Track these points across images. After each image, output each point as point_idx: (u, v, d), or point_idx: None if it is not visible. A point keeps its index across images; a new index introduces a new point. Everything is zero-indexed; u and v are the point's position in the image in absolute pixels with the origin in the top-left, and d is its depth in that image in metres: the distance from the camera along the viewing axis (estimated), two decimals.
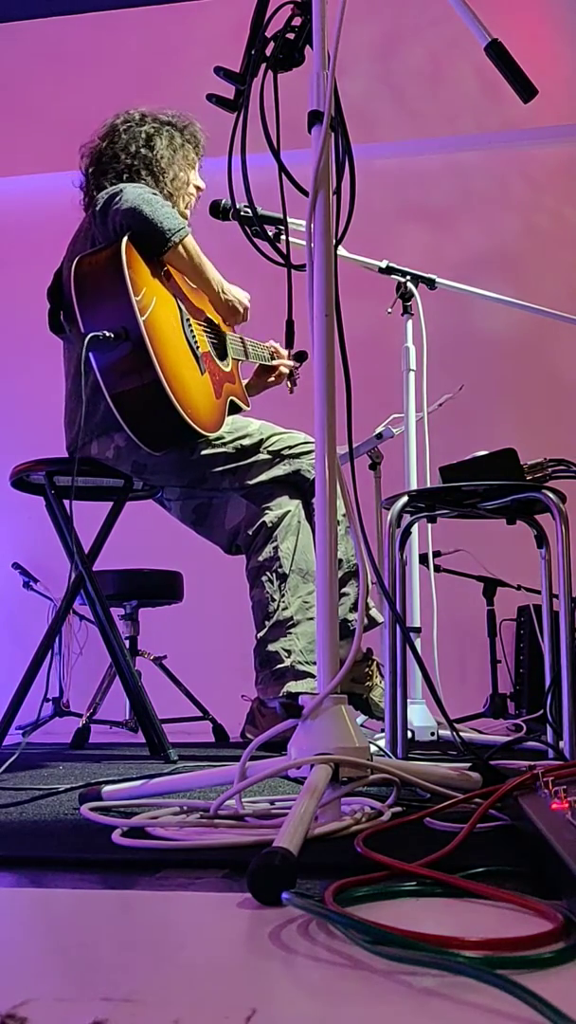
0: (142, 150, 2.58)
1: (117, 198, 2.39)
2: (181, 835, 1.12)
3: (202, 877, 0.97)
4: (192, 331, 2.52)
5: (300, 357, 2.97)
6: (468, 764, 1.41)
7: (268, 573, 2.52)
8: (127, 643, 3.49)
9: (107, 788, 1.38)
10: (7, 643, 4.51)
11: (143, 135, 2.60)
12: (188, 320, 2.52)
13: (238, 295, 2.63)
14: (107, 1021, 0.55)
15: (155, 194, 2.44)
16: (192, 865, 1.02)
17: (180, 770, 1.91)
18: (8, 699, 2.38)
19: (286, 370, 2.95)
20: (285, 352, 2.94)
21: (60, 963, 0.70)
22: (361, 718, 2.69)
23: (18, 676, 2.39)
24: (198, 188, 2.71)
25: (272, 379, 2.95)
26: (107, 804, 1.34)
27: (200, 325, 2.58)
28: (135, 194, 2.39)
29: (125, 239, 2.34)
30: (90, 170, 2.61)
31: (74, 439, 2.55)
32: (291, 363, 2.97)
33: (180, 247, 2.42)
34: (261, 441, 2.57)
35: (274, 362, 2.93)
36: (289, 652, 2.45)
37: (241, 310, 2.63)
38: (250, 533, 2.56)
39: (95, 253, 2.41)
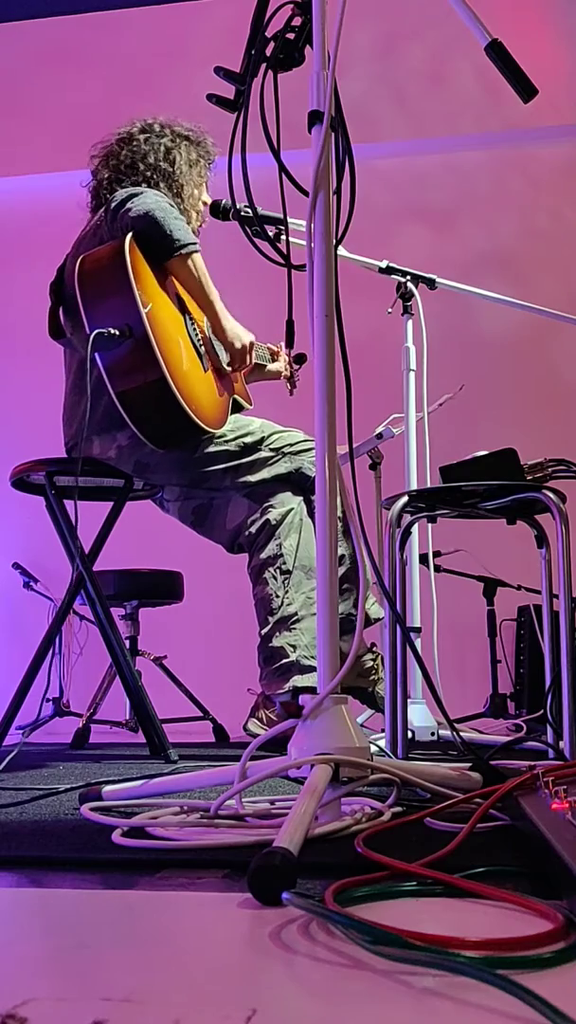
0: (162, 163, 2.58)
1: (134, 199, 2.39)
2: (181, 835, 1.12)
3: (202, 877, 0.97)
4: (195, 329, 2.52)
5: (300, 359, 2.97)
6: (468, 764, 1.41)
7: (271, 570, 2.52)
8: (127, 643, 3.49)
9: (107, 788, 1.38)
10: (7, 643, 4.51)
11: (162, 147, 2.60)
12: (191, 318, 2.52)
13: (239, 332, 2.60)
14: (107, 1021, 0.55)
15: (172, 205, 2.44)
16: (192, 865, 1.02)
17: (180, 770, 1.91)
18: (8, 699, 2.38)
19: (283, 367, 2.96)
20: (285, 353, 2.95)
21: (60, 963, 0.70)
22: (364, 715, 2.70)
23: (18, 676, 2.39)
24: (204, 203, 2.71)
25: (270, 369, 2.95)
26: (107, 804, 1.34)
27: (201, 324, 2.58)
28: (153, 200, 2.38)
29: (129, 236, 2.34)
30: (104, 175, 2.60)
31: (74, 435, 2.55)
32: (287, 361, 2.97)
33: (189, 261, 2.41)
34: (263, 438, 2.58)
35: (273, 366, 2.95)
36: (294, 647, 2.45)
37: (238, 345, 2.58)
38: (253, 531, 2.57)
39: (99, 251, 2.41)
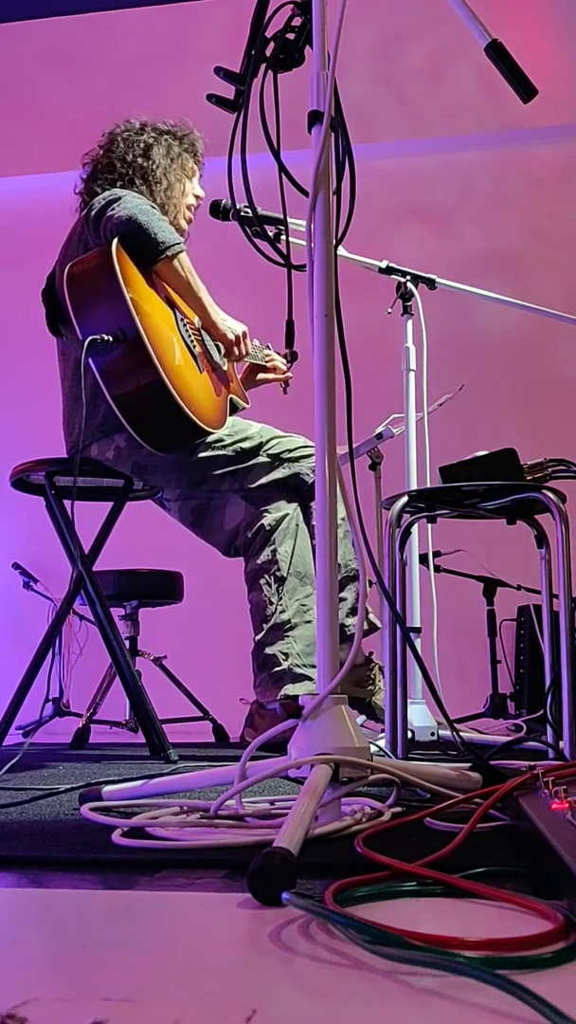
0: (139, 159, 2.58)
1: (115, 205, 2.38)
2: (181, 835, 1.12)
3: (202, 877, 0.97)
4: (188, 331, 2.52)
5: (291, 357, 2.96)
6: (468, 764, 1.41)
7: (266, 576, 2.52)
8: (127, 643, 3.49)
9: (107, 788, 1.38)
10: (7, 643, 4.51)
11: (141, 144, 2.60)
12: (183, 320, 2.51)
13: (230, 324, 2.60)
14: (107, 1021, 0.55)
15: (153, 207, 2.43)
16: (192, 865, 1.02)
17: (180, 770, 1.91)
18: (8, 699, 2.38)
19: (283, 365, 2.94)
20: (276, 355, 2.94)
21: (60, 963, 0.70)
22: (361, 719, 2.69)
23: (18, 676, 2.39)
24: (197, 197, 2.70)
25: (267, 375, 2.94)
26: (107, 804, 1.34)
27: (193, 326, 2.58)
28: (133, 204, 2.38)
29: (116, 241, 2.34)
30: (86, 178, 2.62)
31: (75, 442, 2.54)
32: (284, 362, 2.96)
33: (175, 262, 2.41)
34: (261, 444, 2.57)
35: (268, 363, 2.93)
36: (287, 655, 2.45)
37: (231, 337, 2.59)
38: (248, 536, 2.56)
39: (86, 257, 2.40)
